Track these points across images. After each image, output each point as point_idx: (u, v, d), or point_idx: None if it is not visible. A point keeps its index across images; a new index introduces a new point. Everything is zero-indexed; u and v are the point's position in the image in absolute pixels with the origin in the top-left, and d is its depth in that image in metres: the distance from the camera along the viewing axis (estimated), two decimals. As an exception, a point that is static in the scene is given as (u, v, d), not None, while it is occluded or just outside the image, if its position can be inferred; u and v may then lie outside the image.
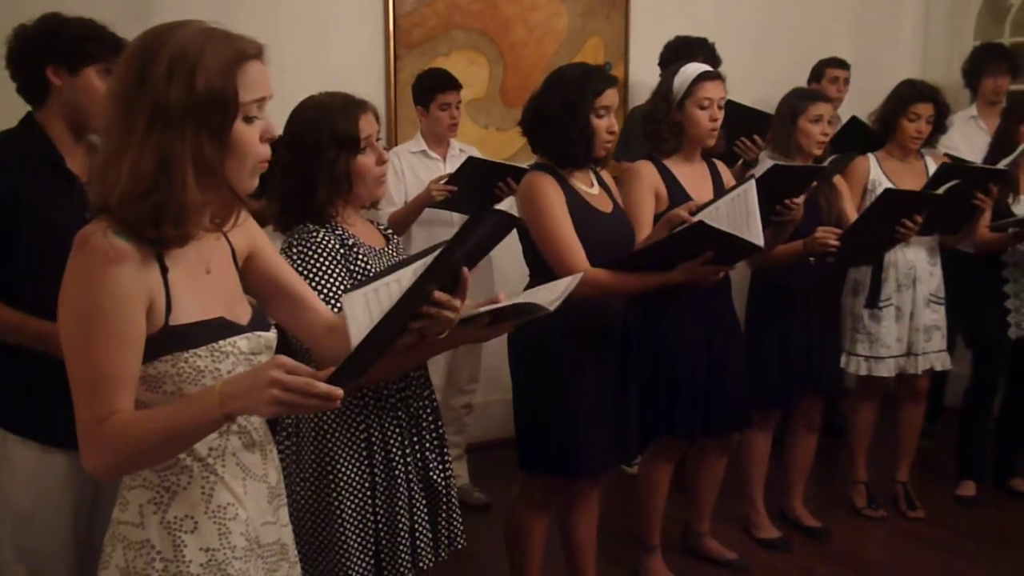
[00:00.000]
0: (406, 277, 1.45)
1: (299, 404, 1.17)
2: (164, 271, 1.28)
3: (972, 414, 3.70)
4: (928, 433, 3.92)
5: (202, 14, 1.31)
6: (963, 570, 3.17)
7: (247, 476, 1.38)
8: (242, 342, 1.34)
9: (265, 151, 1.30)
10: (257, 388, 1.17)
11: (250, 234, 1.47)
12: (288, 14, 3.61)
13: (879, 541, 3.43)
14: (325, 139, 1.78)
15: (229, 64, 1.24)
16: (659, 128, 2.76)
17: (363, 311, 1.40)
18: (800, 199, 2.70)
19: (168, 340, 1.27)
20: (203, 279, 1.35)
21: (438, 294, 1.47)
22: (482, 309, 1.56)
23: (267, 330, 1.41)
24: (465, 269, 1.51)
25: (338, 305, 1.69)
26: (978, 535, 3.40)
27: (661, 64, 3.92)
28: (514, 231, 2.40)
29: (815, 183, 2.87)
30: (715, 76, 2.73)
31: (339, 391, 1.17)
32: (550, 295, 1.65)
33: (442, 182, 3.23)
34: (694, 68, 2.75)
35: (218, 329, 1.32)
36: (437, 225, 3.44)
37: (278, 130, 1.33)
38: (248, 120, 1.27)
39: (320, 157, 1.79)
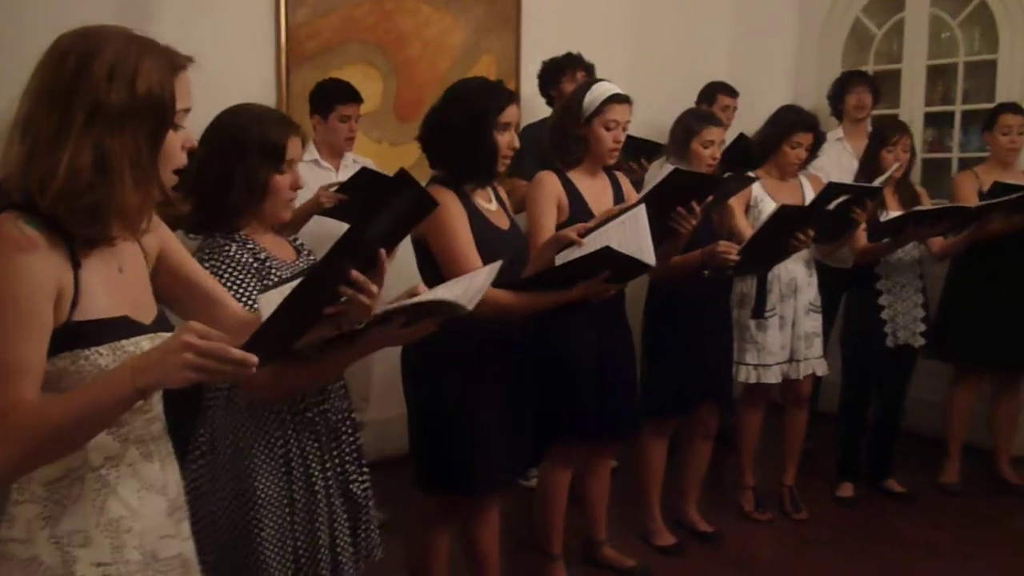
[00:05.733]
0: None
1: (214, 369, 1.14)
2: (76, 266, 1.25)
3: (849, 419, 3.89)
4: (806, 437, 4.10)
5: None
6: (844, 566, 3.33)
7: (143, 488, 1.35)
8: (145, 342, 1.31)
9: (182, 159, 1.32)
10: (170, 353, 1.14)
11: (160, 235, 1.44)
12: (173, 18, 3.47)
13: (768, 542, 3.57)
14: (252, 143, 1.74)
15: (167, 72, 1.26)
16: (567, 141, 2.80)
17: None
18: (697, 207, 2.73)
19: (70, 336, 1.24)
20: (115, 277, 1.33)
21: (355, 274, 1.42)
22: (401, 303, 1.52)
23: (170, 331, 1.37)
24: (383, 252, 1.46)
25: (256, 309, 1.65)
26: (858, 532, 3.59)
27: (543, 85, 3.99)
28: (410, 245, 2.38)
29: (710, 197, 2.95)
30: (624, 100, 2.78)
31: (254, 358, 1.14)
32: (467, 290, 1.61)
33: (332, 189, 3.13)
34: (606, 88, 2.79)
35: (121, 328, 1.29)
36: (329, 241, 3.36)
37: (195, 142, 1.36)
38: (174, 128, 1.29)
39: (243, 159, 1.74)
